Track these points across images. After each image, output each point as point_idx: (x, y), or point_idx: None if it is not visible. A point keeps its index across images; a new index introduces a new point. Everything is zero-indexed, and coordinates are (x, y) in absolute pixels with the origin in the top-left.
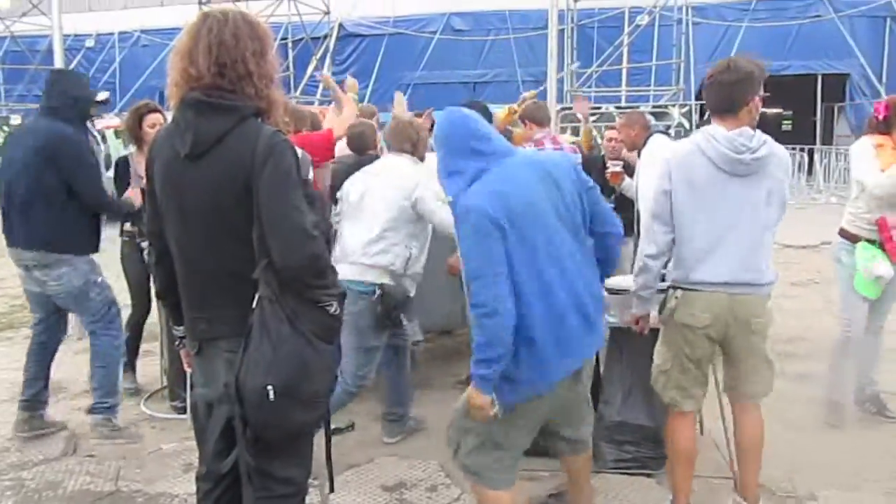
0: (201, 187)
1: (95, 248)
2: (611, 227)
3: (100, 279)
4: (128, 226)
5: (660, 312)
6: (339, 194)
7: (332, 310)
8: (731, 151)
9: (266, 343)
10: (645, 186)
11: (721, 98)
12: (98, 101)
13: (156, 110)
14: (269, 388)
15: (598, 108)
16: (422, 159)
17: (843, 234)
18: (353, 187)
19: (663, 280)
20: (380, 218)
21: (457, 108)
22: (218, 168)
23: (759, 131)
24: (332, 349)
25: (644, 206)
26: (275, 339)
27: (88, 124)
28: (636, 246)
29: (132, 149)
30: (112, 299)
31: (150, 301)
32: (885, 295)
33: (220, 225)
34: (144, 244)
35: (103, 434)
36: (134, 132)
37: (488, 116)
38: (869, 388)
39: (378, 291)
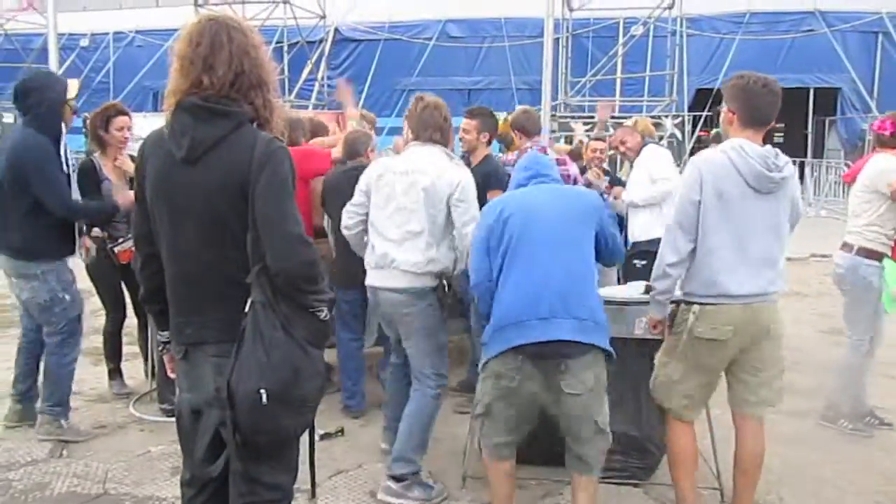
0: (195, 191)
1: (70, 252)
2: (609, 258)
3: (67, 297)
4: (96, 231)
5: (671, 325)
6: (355, 198)
7: (322, 315)
8: (764, 169)
9: (259, 347)
10: (638, 194)
11: (764, 109)
12: (70, 99)
13: (124, 113)
14: (263, 392)
15: (592, 117)
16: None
17: (869, 253)
18: (377, 189)
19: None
20: (418, 221)
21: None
22: (213, 172)
23: (779, 151)
24: (321, 354)
25: (633, 220)
26: (268, 343)
27: (64, 128)
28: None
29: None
30: (72, 318)
31: (124, 307)
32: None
33: (213, 229)
34: (117, 249)
35: (49, 431)
36: (98, 134)
37: (494, 121)
38: (863, 406)
39: (441, 282)
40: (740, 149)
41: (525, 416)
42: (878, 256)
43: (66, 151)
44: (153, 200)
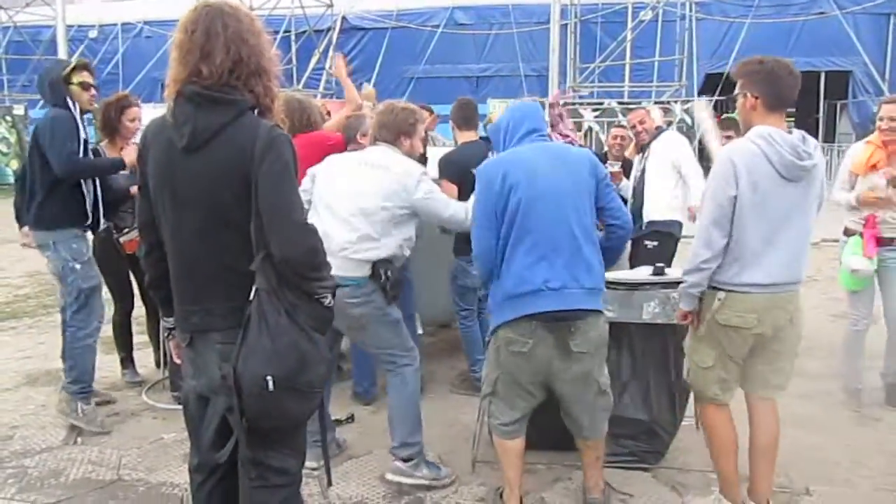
0: (198, 179)
1: (81, 224)
2: (618, 220)
3: (77, 266)
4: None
5: (699, 313)
6: (310, 170)
7: (326, 302)
8: (795, 158)
9: (265, 334)
10: (657, 183)
11: (788, 93)
12: (73, 68)
13: (136, 104)
14: (269, 378)
15: (601, 103)
16: (420, 153)
17: (845, 231)
18: (331, 175)
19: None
20: (367, 218)
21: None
22: (216, 161)
23: (808, 135)
24: (324, 340)
25: (652, 200)
26: (273, 330)
27: (76, 105)
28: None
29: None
30: (84, 290)
31: (132, 296)
32: (891, 289)
33: (216, 217)
34: (123, 239)
35: (62, 410)
36: (112, 124)
37: (474, 112)
38: (892, 377)
39: (377, 272)
40: (769, 137)
41: (533, 386)
42: (849, 234)
43: (83, 126)
44: (156, 189)
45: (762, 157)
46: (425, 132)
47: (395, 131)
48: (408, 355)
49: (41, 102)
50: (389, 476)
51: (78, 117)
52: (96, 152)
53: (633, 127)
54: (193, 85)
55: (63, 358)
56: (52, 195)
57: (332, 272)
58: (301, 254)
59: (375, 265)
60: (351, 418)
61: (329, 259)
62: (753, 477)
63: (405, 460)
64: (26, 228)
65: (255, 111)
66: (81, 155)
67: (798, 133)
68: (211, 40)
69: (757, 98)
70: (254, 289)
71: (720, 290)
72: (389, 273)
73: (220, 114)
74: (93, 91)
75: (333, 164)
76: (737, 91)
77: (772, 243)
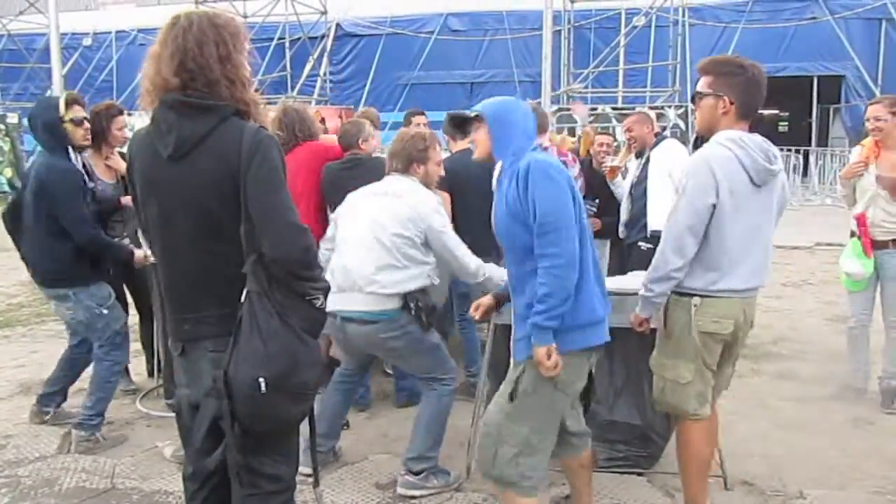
0: (185, 188)
1: (100, 277)
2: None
3: (105, 311)
4: None
5: (665, 321)
6: (332, 216)
7: (318, 303)
8: (766, 162)
9: (256, 336)
10: (659, 192)
11: (760, 103)
12: (68, 119)
13: (123, 112)
14: (261, 380)
15: (595, 108)
16: (439, 177)
17: (852, 234)
18: (350, 211)
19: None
20: (384, 247)
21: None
22: (202, 168)
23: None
24: (317, 342)
25: (655, 210)
26: (265, 332)
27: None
28: (612, 247)
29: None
30: (117, 330)
31: (126, 304)
32: (888, 291)
33: (204, 225)
34: None
35: (87, 448)
36: (101, 133)
37: (468, 125)
38: (886, 381)
39: (410, 304)
40: (741, 141)
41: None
42: (853, 235)
43: (83, 167)
44: (143, 200)
45: (737, 161)
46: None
47: (407, 160)
48: (447, 377)
49: None
50: (401, 491)
51: (77, 162)
52: (93, 193)
53: (627, 130)
54: (175, 93)
55: (90, 392)
56: (63, 248)
57: (362, 308)
58: (294, 253)
59: (406, 297)
60: (346, 424)
61: (356, 295)
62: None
63: (415, 473)
64: None
65: (240, 117)
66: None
67: (760, 137)
68: (164, 49)
69: (732, 104)
70: (245, 292)
71: (694, 296)
72: (420, 303)
73: (203, 121)
74: (86, 124)
75: (350, 200)
76: (704, 89)
77: (748, 250)
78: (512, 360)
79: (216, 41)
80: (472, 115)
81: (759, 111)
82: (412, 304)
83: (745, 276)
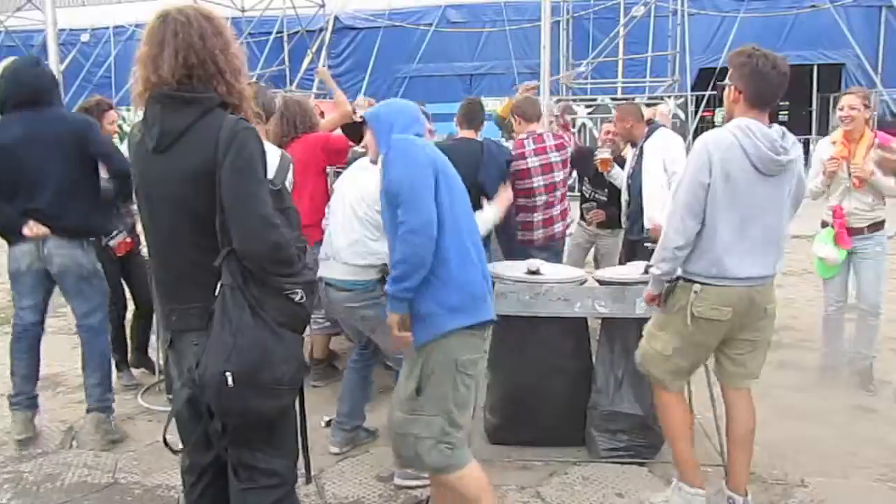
0: (168, 180)
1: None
2: None
3: (100, 268)
4: None
5: (666, 300)
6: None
7: (297, 297)
8: (771, 152)
9: (227, 330)
10: (653, 180)
11: (772, 91)
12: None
13: (112, 107)
14: (228, 374)
15: (594, 99)
16: None
17: (822, 224)
18: (341, 182)
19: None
20: (360, 221)
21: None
22: (184, 161)
23: (788, 131)
24: (296, 338)
25: (650, 196)
26: (235, 326)
27: None
28: (625, 236)
29: None
30: (106, 292)
31: (125, 298)
32: (862, 276)
33: (187, 216)
34: (112, 242)
35: (107, 431)
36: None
37: (482, 111)
38: (860, 362)
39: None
40: (747, 129)
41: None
42: (823, 225)
43: None
44: (137, 195)
45: (738, 147)
46: None
47: None
48: None
49: None
50: (398, 482)
51: None
52: None
53: (611, 135)
54: (162, 87)
55: (93, 373)
56: (97, 202)
57: (339, 276)
58: (263, 248)
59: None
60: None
61: (336, 263)
62: (731, 467)
63: None
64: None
65: (227, 110)
66: None
67: (778, 128)
68: (161, 49)
69: (740, 93)
70: (219, 285)
71: (695, 282)
72: None
73: (185, 113)
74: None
75: (347, 172)
76: (726, 80)
77: (747, 237)
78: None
79: (214, 33)
80: (360, 119)
81: (777, 98)
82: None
83: (745, 264)
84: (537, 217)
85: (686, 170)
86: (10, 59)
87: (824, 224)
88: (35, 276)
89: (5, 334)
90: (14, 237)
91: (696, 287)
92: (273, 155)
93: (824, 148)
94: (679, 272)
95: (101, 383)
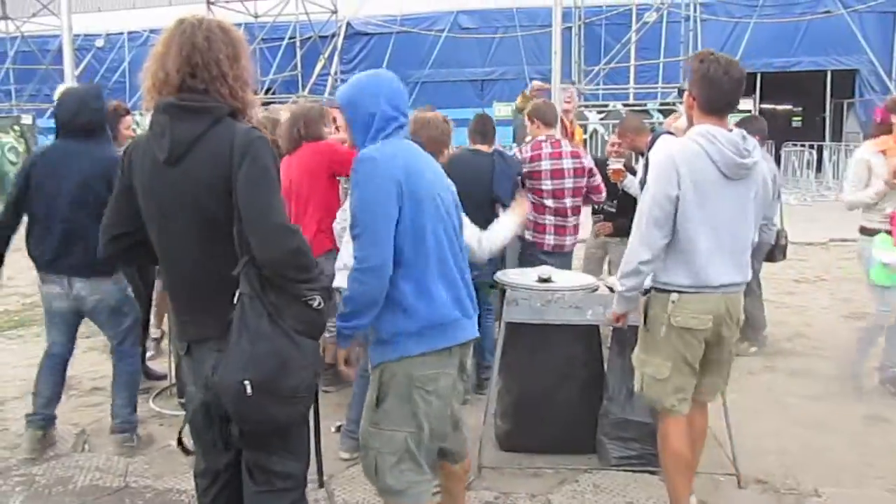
0: (182, 191)
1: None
2: None
3: (130, 293)
4: None
5: (645, 317)
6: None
7: (315, 304)
8: (736, 156)
9: (244, 339)
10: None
11: (724, 98)
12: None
13: (129, 113)
14: (246, 383)
15: (606, 105)
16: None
17: (862, 230)
18: None
19: None
20: None
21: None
22: (196, 171)
23: (748, 134)
24: (314, 344)
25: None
26: (253, 334)
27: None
28: None
29: None
30: (139, 315)
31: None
32: None
33: (203, 227)
34: None
35: (130, 449)
36: (112, 133)
37: (493, 125)
38: (892, 370)
39: None
40: (711, 136)
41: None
42: (870, 232)
43: None
44: (144, 205)
45: (704, 156)
46: None
47: (439, 145)
48: None
49: (49, 111)
50: None
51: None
52: None
53: (621, 136)
54: (168, 97)
55: (122, 393)
56: None
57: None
58: (282, 255)
59: None
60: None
61: (347, 273)
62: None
63: None
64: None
65: (235, 118)
66: None
67: (738, 131)
68: (167, 48)
69: (694, 98)
70: (237, 294)
71: (672, 292)
72: None
73: (195, 123)
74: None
75: None
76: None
77: (720, 244)
78: (370, 367)
79: (224, 41)
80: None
81: (735, 106)
82: None
83: (720, 271)
84: (549, 220)
85: (651, 182)
86: (69, 86)
87: (864, 230)
88: (67, 316)
89: (18, 337)
90: (42, 269)
91: (674, 297)
92: None
93: (872, 157)
94: (649, 284)
95: (129, 404)
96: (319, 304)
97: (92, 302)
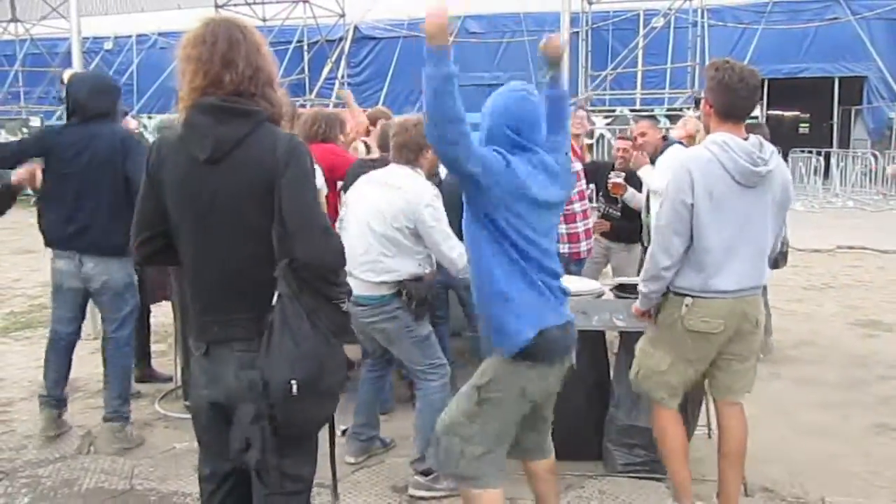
0: (221, 191)
1: None
2: None
3: (135, 278)
4: None
5: (656, 315)
6: (343, 198)
7: (344, 307)
8: (749, 164)
9: (289, 338)
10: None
11: (740, 104)
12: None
13: (128, 114)
14: (293, 382)
15: (613, 110)
16: (432, 170)
17: None
18: (351, 195)
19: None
20: (377, 237)
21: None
22: (238, 172)
23: (765, 141)
24: (341, 347)
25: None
26: (297, 334)
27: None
28: (644, 252)
29: None
30: (138, 302)
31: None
32: None
33: (240, 228)
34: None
35: (121, 439)
36: None
37: None
38: None
39: (402, 292)
40: (724, 144)
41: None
42: None
43: None
44: (175, 205)
45: (717, 163)
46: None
47: (417, 148)
48: (434, 371)
49: (58, 114)
50: (411, 491)
51: None
52: None
53: (634, 140)
54: (210, 97)
55: (114, 384)
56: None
57: (355, 291)
58: (328, 256)
59: (400, 284)
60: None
61: (351, 278)
62: (722, 487)
63: (425, 473)
64: None
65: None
66: None
67: (755, 139)
68: (233, 49)
69: (711, 106)
70: (276, 294)
71: (686, 296)
72: (413, 291)
73: (239, 125)
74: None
75: (358, 185)
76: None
77: (733, 249)
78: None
79: (257, 42)
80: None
81: (751, 113)
82: (404, 293)
83: (735, 277)
84: (561, 230)
85: (668, 191)
86: (75, 70)
87: None
88: (75, 292)
89: (26, 339)
90: (55, 246)
91: (688, 300)
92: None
93: None
94: (667, 286)
95: (120, 395)
96: (347, 307)
97: (99, 281)
